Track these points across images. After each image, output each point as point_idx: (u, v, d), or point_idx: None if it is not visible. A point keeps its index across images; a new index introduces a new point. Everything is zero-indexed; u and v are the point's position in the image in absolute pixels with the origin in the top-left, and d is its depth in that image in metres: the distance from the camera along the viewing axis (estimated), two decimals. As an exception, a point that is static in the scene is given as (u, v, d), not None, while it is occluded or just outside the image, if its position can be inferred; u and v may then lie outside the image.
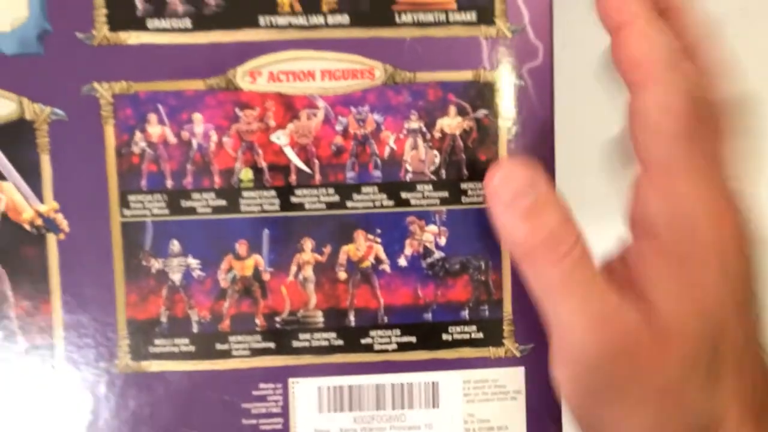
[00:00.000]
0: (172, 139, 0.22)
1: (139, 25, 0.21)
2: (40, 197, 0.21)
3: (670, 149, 0.19)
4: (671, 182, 0.20)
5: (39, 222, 0.22)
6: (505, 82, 0.22)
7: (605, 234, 0.22)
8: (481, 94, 0.22)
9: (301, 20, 0.21)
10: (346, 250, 0.22)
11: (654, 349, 0.19)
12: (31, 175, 0.21)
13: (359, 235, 0.22)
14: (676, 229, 0.20)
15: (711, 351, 0.19)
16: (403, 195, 0.22)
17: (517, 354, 0.23)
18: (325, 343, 0.22)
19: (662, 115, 0.19)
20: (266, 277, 0.22)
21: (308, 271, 0.22)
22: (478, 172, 0.22)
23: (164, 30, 0.21)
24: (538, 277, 0.20)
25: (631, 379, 0.19)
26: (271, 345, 0.22)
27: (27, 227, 0.22)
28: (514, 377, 0.23)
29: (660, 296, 0.20)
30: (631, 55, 0.20)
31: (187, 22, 0.21)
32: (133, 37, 0.21)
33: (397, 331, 0.23)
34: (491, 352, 0.23)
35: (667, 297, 0.20)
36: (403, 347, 0.22)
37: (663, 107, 0.19)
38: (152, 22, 0.21)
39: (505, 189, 0.20)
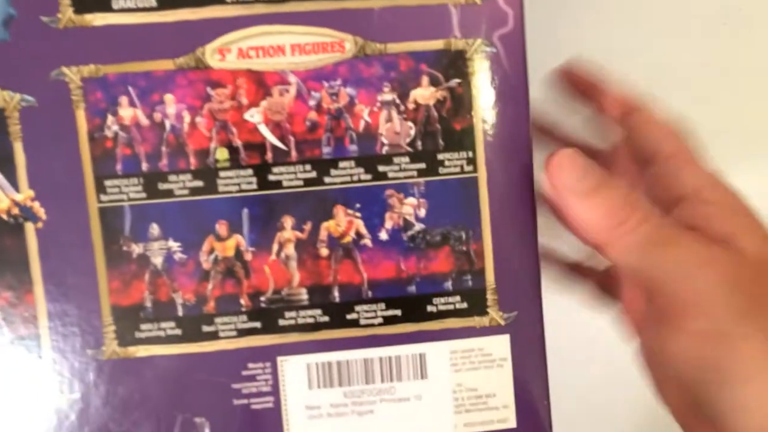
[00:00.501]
0: (145, 121, 0.22)
1: (104, 6, 0.21)
2: (15, 186, 0.21)
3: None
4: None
5: (16, 211, 0.21)
6: (477, 50, 0.22)
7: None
8: (453, 63, 0.22)
9: (268, -5, 0.21)
10: (327, 227, 0.22)
11: (759, 273, 0.20)
12: (4, 163, 0.21)
13: (339, 210, 0.22)
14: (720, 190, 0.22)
15: None
16: (381, 168, 0.22)
17: (502, 322, 0.23)
18: (311, 320, 0.22)
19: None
20: (248, 256, 0.22)
21: (290, 249, 0.22)
22: (454, 142, 0.22)
23: (130, 10, 0.21)
24: (631, 246, 0.21)
25: (758, 302, 0.20)
26: (258, 324, 0.22)
27: (4, 217, 0.21)
28: (500, 345, 0.23)
29: (734, 234, 0.21)
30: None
31: (153, 1, 0.21)
32: (98, 19, 0.21)
33: (382, 305, 0.23)
34: (476, 321, 0.23)
35: (745, 236, 0.21)
36: (388, 321, 0.23)
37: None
38: (117, 3, 0.21)
39: (569, 176, 0.21)
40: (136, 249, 0.22)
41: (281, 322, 0.22)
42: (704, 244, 0.21)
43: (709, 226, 0.22)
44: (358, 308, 0.23)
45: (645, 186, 0.24)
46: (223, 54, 0.21)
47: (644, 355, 0.24)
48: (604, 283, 0.29)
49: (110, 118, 0.21)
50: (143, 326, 0.22)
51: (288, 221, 0.22)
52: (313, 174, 0.22)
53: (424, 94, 0.22)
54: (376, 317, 0.23)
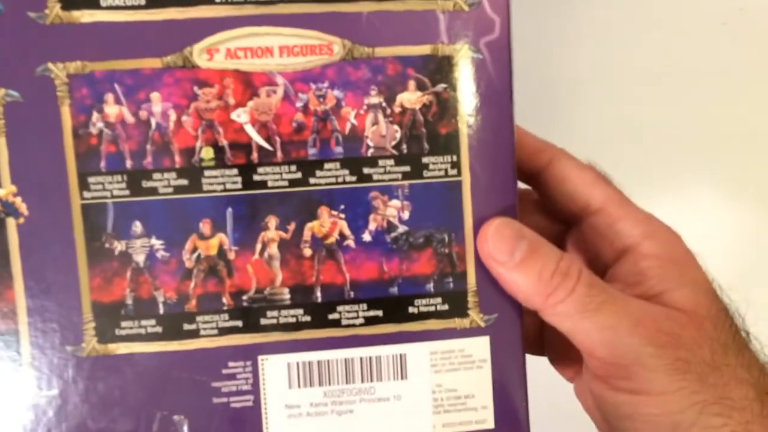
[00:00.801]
0: (130, 119, 0.22)
1: (92, 3, 0.21)
2: (-3, 181, 0.21)
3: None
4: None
5: (-3, 206, 0.21)
6: (463, 56, 0.22)
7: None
8: (439, 68, 0.22)
9: (257, -4, 0.21)
10: (311, 227, 0.22)
11: (692, 329, 0.21)
12: (-14, 158, 0.21)
13: (323, 211, 0.22)
14: (659, 240, 0.23)
15: (728, 326, 0.22)
16: (366, 170, 0.22)
17: (482, 324, 0.23)
18: (292, 320, 0.23)
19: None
20: (231, 255, 0.22)
21: (273, 249, 0.22)
22: (438, 146, 0.23)
23: (118, 7, 0.21)
24: (564, 314, 0.21)
25: (679, 359, 0.21)
26: (239, 323, 0.22)
27: (-16, 212, 0.21)
28: (480, 346, 0.23)
29: (670, 288, 0.22)
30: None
31: None
32: (86, 16, 0.21)
33: (364, 306, 0.23)
34: (457, 323, 0.23)
35: (678, 288, 0.22)
36: (370, 321, 0.23)
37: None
38: (105, 0, 0.21)
39: (497, 251, 0.22)
40: (119, 246, 0.22)
41: (263, 321, 0.22)
42: (634, 305, 0.21)
43: (646, 281, 0.22)
44: (340, 308, 0.23)
45: (581, 242, 0.25)
46: (211, 54, 0.21)
47: (580, 392, 0.25)
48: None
49: (95, 115, 0.21)
50: (124, 323, 0.22)
51: (272, 221, 0.22)
52: (299, 175, 0.22)
53: (411, 98, 0.22)
54: (357, 318, 0.23)
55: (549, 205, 0.25)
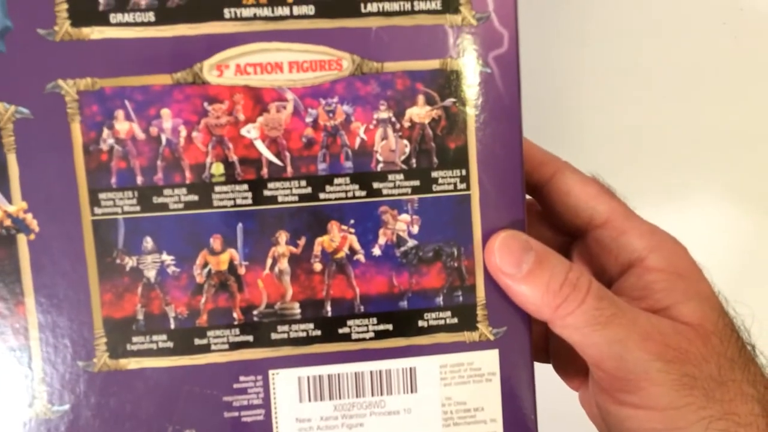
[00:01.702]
0: (141, 135, 0.22)
1: (102, 19, 0.21)
2: (8, 197, 0.21)
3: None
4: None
5: (8, 223, 0.21)
6: (472, 70, 0.22)
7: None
8: (448, 83, 0.22)
9: (266, 11, 0.21)
10: (321, 242, 0.23)
11: (699, 344, 0.21)
12: (-3, 175, 0.21)
13: (333, 226, 0.22)
14: (664, 253, 0.23)
15: (735, 341, 0.22)
16: (375, 185, 0.22)
17: (491, 337, 0.23)
18: (303, 334, 0.23)
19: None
20: (242, 270, 0.22)
21: (284, 264, 0.22)
22: (448, 160, 0.23)
23: (128, 24, 0.21)
24: (573, 326, 0.21)
25: (686, 375, 0.21)
26: (250, 338, 0.22)
27: (-4, 229, 0.21)
28: (489, 360, 0.23)
29: (676, 302, 0.22)
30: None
31: (151, 16, 0.21)
32: (96, 32, 0.21)
33: (374, 320, 0.23)
34: (466, 336, 0.23)
35: (685, 302, 0.22)
36: (380, 335, 0.23)
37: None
38: (115, 17, 0.21)
39: (505, 263, 0.22)
40: (130, 262, 0.22)
41: (273, 336, 0.23)
42: (642, 319, 0.21)
43: (652, 295, 0.22)
44: (350, 322, 0.23)
45: (586, 255, 0.25)
46: (221, 70, 0.21)
47: (585, 401, 0.25)
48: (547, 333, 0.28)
49: (106, 132, 0.21)
50: (135, 338, 0.22)
51: (282, 236, 0.22)
52: (309, 190, 0.22)
53: (420, 112, 0.22)
54: (367, 331, 0.23)
55: (552, 218, 0.25)
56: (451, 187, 0.23)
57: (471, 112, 0.22)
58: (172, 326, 0.22)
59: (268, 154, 0.22)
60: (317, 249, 0.22)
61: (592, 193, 0.24)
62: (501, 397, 0.23)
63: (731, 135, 0.38)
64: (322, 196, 0.22)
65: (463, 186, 0.23)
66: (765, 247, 0.40)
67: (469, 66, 0.22)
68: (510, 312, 0.23)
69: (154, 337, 0.22)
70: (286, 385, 0.23)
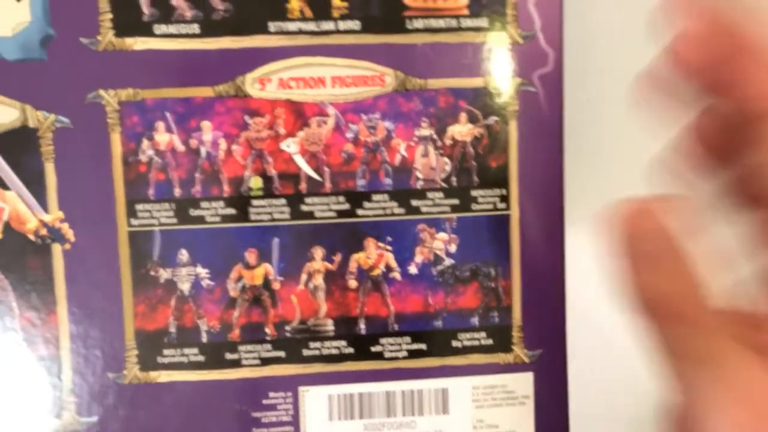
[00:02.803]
0: (180, 147, 0.21)
1: (146, 30, 0.21)
2: (45, 207, 0.21)
3: None
4: None
5: (44, 232, 0.21)
6: (516, 89, 0.22)
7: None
8: (491, 101, 0.22)
9: (311, 26, 0.21)
10: (357, 258, 0.22)
11: None
12: (35, 184, 0.21)
13: (370, 243, 0.22)
14: None
15: None
16: (414, 203, 0.22)
17: (526, 360, 0.23)
18: (335, 352, 0.22)
19: None
20: (276, 285, 0.22)
21: (318, 280, 0.22)
22: (488, 179, 0.22)
23: (171, 36, 0.21)
24: (678, 336, 0.16)
25: None
26: (282, 354, 0.22)
27: (31, 237, 0.21)
28: (523, 383, 0.23)
29: None
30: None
31: (195, 28, 0.21)
32: (139, 43, 0.21)
33: (408, 339, 0.22)
34: (500, 358, 0.23)
35: None
36: (413, 354, 0.22)
37: None
38: (159, 28, 0.21)
39: (635, 236, 0.15)
40: (164, 274, 0.22)
41: (305, 353, 0.22)
42: (752, 369, 0.14)
43: None
44: (383, 341, 0.22)
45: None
46: (264, 83, 0.21)
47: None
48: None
49: (146, 143, 0.21)
50: (166, 351, 0.22)
51: (318, 252, 0.22)
52: (347, 206, 0.22)
53: (462, 130, 0.22)
54: (400, 350, 0.22)
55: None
56: (491, 206, 0.22)
57: (513, 131, 0.22)
58: (204, 340, 0.22)
59: (307, 168, 0.22)
60: (353, 266, 0.22)
61: None
62: (534, 421, 0.23)
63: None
64: (359, 212, 0.22)
65: (503, 206, 0.22)
66: None
67: (513, 84, 0.22)
68: (546, 334, 0.23)
69: (186, 351, 0.22)
70: (315, 402, 0.22)
